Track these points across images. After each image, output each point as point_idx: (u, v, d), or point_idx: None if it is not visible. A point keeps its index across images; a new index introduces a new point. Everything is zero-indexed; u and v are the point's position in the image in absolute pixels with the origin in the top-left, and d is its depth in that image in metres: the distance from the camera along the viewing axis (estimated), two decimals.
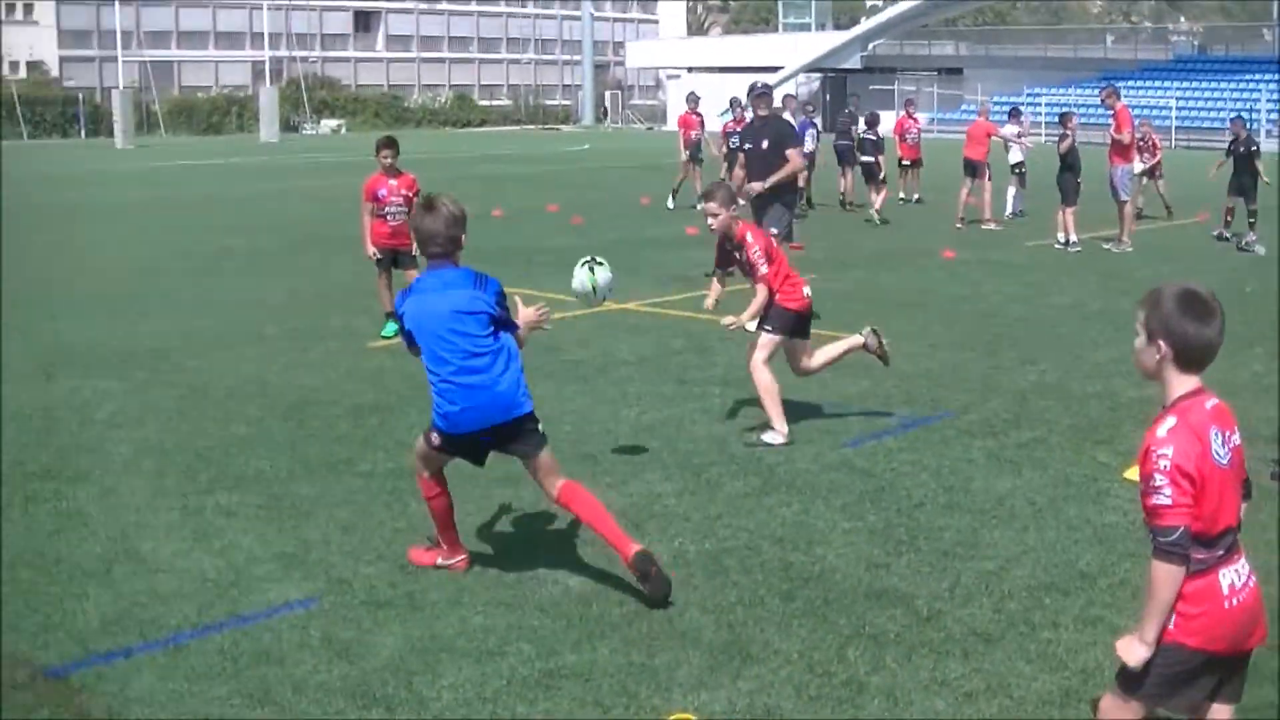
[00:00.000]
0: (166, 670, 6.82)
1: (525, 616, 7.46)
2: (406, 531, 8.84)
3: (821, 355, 11.82)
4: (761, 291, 11.18)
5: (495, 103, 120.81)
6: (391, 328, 15.48)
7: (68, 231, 28.68)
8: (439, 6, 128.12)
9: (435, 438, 8.03)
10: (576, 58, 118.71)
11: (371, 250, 15.56)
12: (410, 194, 15.35)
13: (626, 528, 8.29)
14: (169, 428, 11.61)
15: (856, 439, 11.23)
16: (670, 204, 33.11)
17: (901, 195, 33.98)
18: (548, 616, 7.46)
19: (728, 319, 11.23)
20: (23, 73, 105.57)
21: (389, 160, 15.45)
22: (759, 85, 16.80)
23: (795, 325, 11.46)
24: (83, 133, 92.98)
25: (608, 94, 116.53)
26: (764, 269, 11.14)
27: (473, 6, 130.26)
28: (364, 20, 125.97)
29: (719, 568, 8.22)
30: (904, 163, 34.01)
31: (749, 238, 11.25)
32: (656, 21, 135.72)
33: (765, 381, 11.20)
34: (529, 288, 18.36)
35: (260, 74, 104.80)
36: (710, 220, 11.26)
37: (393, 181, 15.43)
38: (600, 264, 9.72)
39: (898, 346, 14.48)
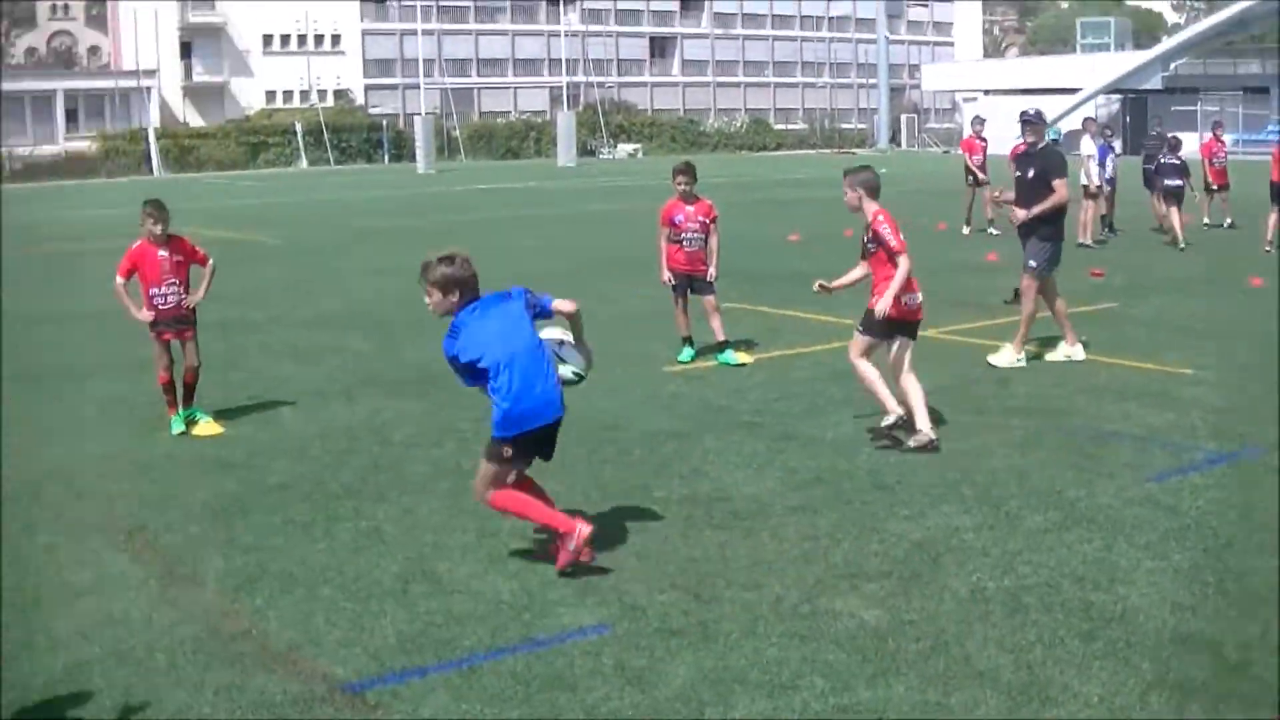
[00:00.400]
0: (460, 691, 6.85)
1: (820, 650, 7.32)
2: (701, 560, 8.77)
3: (908, 385, 11.87)
4: (903, 263, 11.64)
5: (790, 127, 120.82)
6: (688, 353, 15.50)
7: (373, 254, 29.50)
8: (734, 31, 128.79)
9: (507, 450, 8.70)
10: (872, 81, 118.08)
11: (667, 275, 15.58)
12: (707, 220, 15.35)
13: (923, 560, 8.11)
14: (466, 450, 11.74)
15: (1161, 474, 10.81)
16: (965, 229, 32.61)
17: (1206, 220, 32.85)
18: (842, 650, 7.30)
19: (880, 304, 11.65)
20: (330, 100, 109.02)
21: (685, 186, 15.44)
22: (1030, 112, 16.37)
23: (885, 329, 11.83)
24: (386, 158, 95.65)
25: (903, 117, 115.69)
26: (893, 241, 11.64)
27: (768, 31, 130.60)
28: (660, 46, 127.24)
29: (1018, 605, 7.96)
30: (1212, 187, 32.93)
31: (880, 217, 11.80)
32: (952, 44, 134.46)
33: (865, 371, 11.92)
34: (825, 314, 18.25)
35: (558, 99, 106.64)
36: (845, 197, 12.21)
37: (689, 207, 15.42)
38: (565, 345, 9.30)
39: (1200, 376, 14.05)
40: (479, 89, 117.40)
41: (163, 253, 12.80)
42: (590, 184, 58.83)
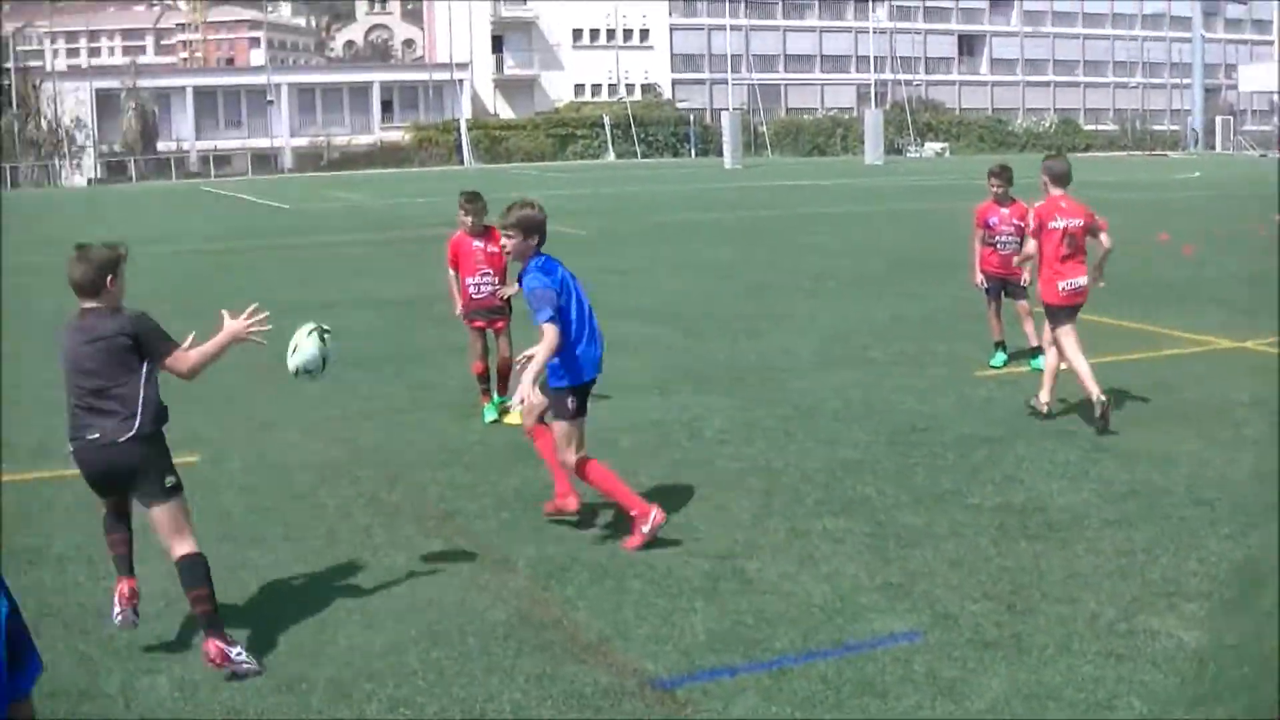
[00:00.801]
0: (770, 693, 6.79)
1: (1136, 670, 7.05)
2: (1014, 571, 8.55)
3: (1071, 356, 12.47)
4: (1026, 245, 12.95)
5: (1100, 127, 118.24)
6: (1001, 358, 15.18)
7: (680, 248, 29.67)
8: (1044, 30, 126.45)
9: (571, 402, 9.38)
10: (1186, 81, 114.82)
11: (979, 278, 15.30)
12: (1022, 224, 15.02)
13: (1245, 581, 7.79)
14: (775, 447, 11.71)
15: None
16: None
17: None
18: (1160, 672, 7.02)
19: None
20: (637, 94, 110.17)
21: (999, 189, 15.15)
22: None
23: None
24: (693, 152, 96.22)
25: (1218, 119, 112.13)
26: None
27: (1078, 29, 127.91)
28: (968, 44, 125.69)
29: None
30: None
31: (1038, 205, 12.63)
32: (1272, 42, 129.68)
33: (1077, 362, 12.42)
34: (1145, 322, 17.75)
35: (865, 97, 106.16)
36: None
37: (1004, 210, 15.11)
38: (329, 333, 8.12)
39: None
40: (786, 85, 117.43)
41: (478, 243, 13.02)
42: (897, 182, 58.34)
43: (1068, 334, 12.41)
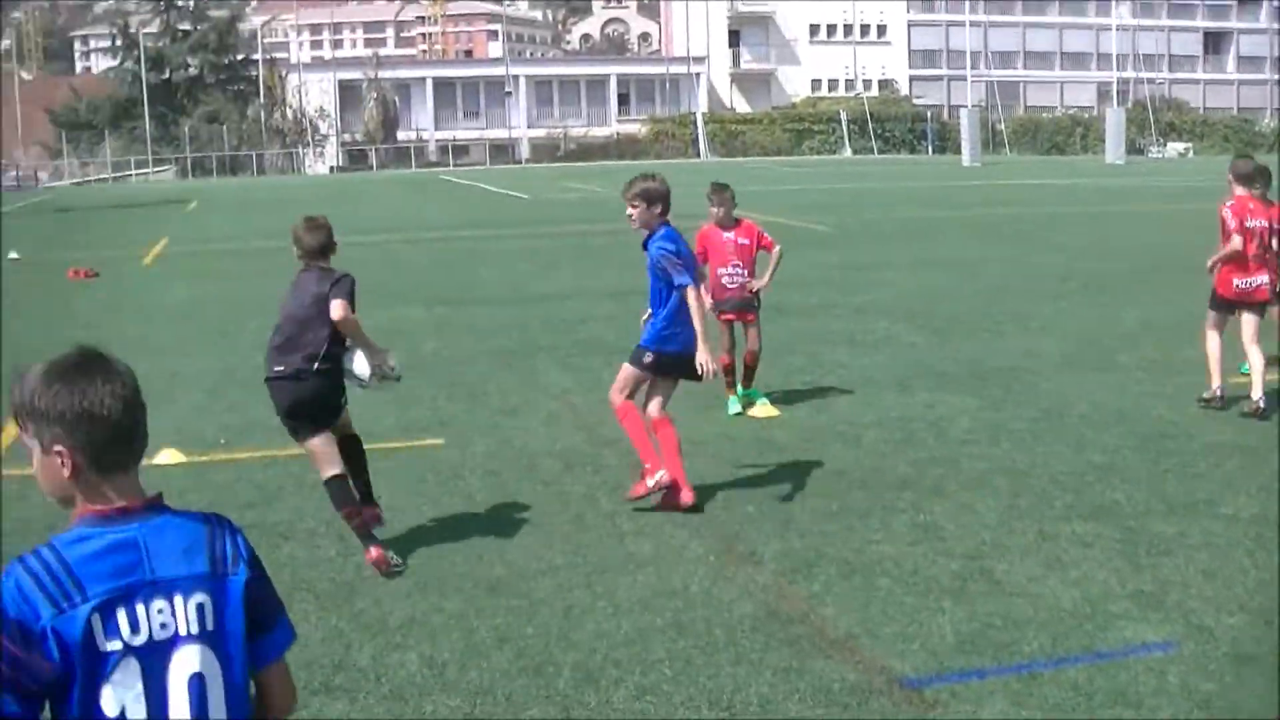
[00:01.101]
0: (1020, 697, 6.71)
1: None
2: (1271, 584, 8.30)
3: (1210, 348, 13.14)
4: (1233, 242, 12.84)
5: None
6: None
7: (919, 245, 29.45)
8: None
9: (649, 356, 9.91)
10: None
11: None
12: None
13: None
14: (1023, 448, 11.55)
15: None
16: None
17: None
18: None
19: None
20: (874, 90, 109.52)
21: (1258, 190, 14.72)
22: None
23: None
24: (929, 149, 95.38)
25: None
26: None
27: None
28: (1214, 41, 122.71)
29: None
30: None
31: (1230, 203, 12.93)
32: None
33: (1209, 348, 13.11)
34: None
35: (1105, 95, 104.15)
36: None
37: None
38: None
39: None
40: (1024, 82, 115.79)
41: (728, 234, 13.02)
42: (1140, 183, 57.19)
43: (1217, 325, 13.17)
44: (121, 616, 3.08)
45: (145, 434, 3.29)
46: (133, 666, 3.09)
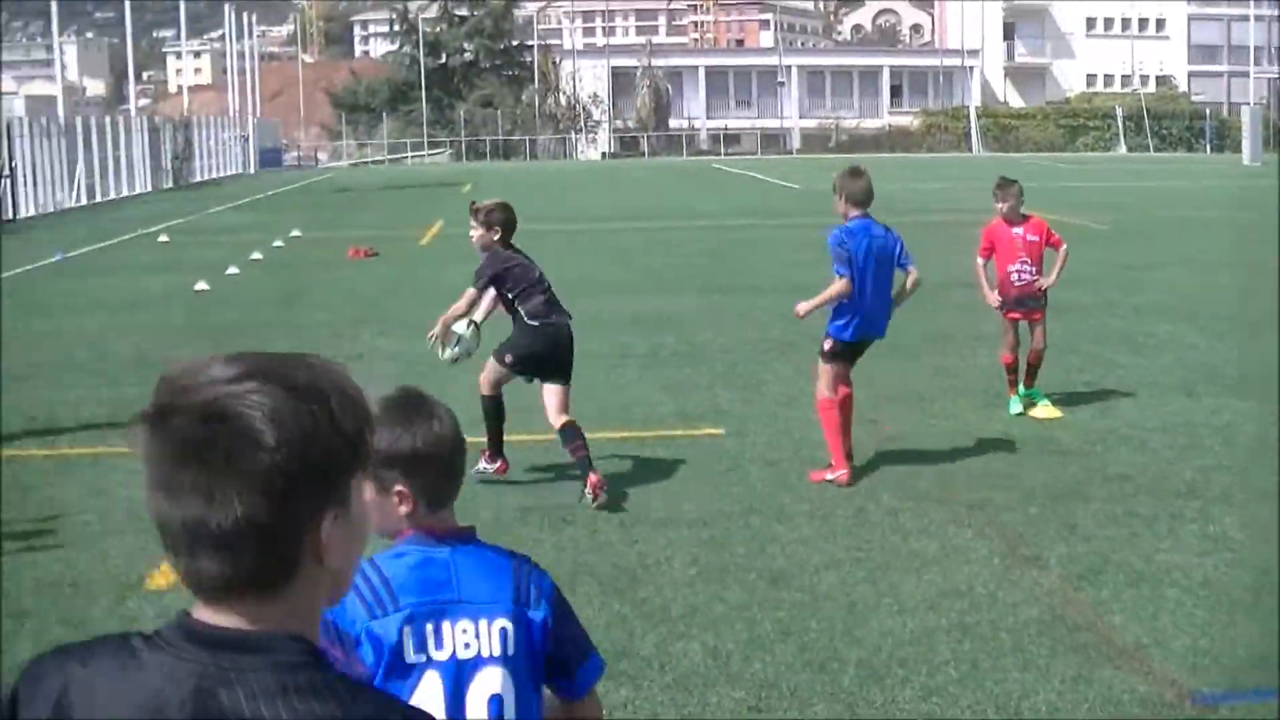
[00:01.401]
0: None
1: None
2: None
3: None
4: None
5: None
6: None
7: (1200, 245, 28.72)
8: None
9: (829, 345, 10.70)
10: None
11: None
12: None
13: None
14: None
15: None
16: None
17: None
18: None
19: None
20: (1151, 86, 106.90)
21: None
22: None
23: None
24: (1208, 147, 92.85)
25: None
26: None
27: None
28: None
29: None
30: None
31: None
32: None
33: None
34: None
35: None
36: None
37: None
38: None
39: None
40: None
41: (1017, 230, 12.83)
42: None
43: None
44: (428, 631, 3.23)
45: (465, 469, 3.50)
46: (436, 680, 3.23)
